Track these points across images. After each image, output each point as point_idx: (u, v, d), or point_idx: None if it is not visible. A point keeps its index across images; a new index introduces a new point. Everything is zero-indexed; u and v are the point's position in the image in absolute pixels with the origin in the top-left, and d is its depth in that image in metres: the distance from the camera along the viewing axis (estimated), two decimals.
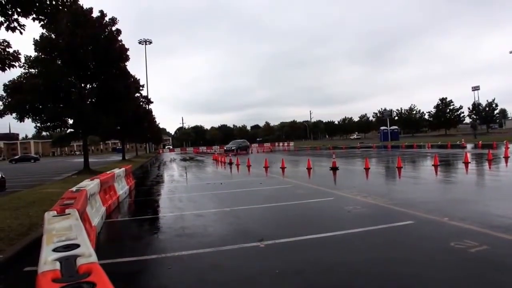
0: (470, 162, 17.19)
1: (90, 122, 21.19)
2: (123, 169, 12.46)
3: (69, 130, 23.75)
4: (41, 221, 4.86)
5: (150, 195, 12.71)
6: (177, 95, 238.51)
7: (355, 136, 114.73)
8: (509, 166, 15.83)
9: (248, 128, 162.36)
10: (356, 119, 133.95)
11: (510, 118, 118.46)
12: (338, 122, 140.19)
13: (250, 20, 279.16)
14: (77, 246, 2.70)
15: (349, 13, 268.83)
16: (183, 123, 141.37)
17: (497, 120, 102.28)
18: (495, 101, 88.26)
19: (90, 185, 7.03)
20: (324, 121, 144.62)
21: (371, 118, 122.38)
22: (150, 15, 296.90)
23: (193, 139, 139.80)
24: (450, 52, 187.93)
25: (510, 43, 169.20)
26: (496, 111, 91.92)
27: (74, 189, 6.30)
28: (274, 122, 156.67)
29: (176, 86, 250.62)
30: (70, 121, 22.71)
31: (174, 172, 22.98)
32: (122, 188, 11.25)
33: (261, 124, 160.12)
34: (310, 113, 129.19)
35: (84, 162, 23.19)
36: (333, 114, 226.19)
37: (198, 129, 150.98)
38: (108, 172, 10.68)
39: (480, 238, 5.37)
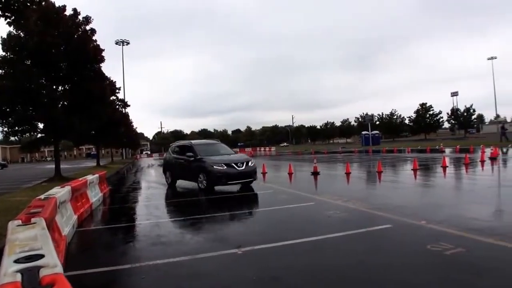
0: (448, 166, 17.45)
1: (61, 126, 20.22)
2: (96, 175, 12.09)
3: (39, 135, 22.79)
4: (4, 232, 4.66)
5: (125, 202, 12.41)
6: (156, 99, 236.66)
7: (345, 142, 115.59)
8: (485, 170, 16.13)
9: (229, 132, 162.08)
10: (338, 123, 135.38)
11: (486, 123, 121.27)
12: (321, 126, 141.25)
13: (235, 25, 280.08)
14: (41, 256, 2.59)
15: (334, 21, 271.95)
16: (161, 127, 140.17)
17: (475, 125, 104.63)
18: (473, 107, 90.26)
19: (60, 192, 6.78)
20: (306, 125, 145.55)
21: (353, 123, 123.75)
22: (132, 17, 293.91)
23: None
24: (431, 59, 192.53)
25: (487, 52, 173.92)
26: (473, 117, 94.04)
27: (42, 197, 6.07)
28: (256, 127, 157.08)
29: (155, 90, 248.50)
30: (41, 125, 21.62)
31: (151, 178, 22.67)
32: (95, 195, 10.94)
33: (243, 128, 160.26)
34: (292, 118, 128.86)
35: (55, 169, 21.97)
36: (315, 119, 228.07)
37: (177, 134, 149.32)
38: (80, 179, 10.35)
39: (456, 241, 5.41)
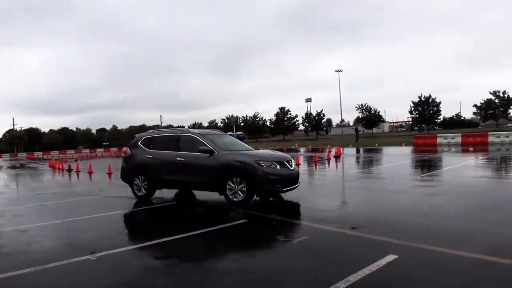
0: (300, 164, 19.32)
1: None
2: None
3: None
4: None
5: None
6: (7, 93, 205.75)
7: None
8: (331, 167, 18.38)
9: (94, 131, 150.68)
10: (205, 124, 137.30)
11: (334, 126, 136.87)
12: (188, 126, 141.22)
13: (103, 20, 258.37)
14: None
15: (203, 25, 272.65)
16: (14, 124, 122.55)
17: (324, 128, 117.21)
18: (323, 112, 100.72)
19: None
20: (175, 125, 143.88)
21: (219, 123, 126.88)
22: None
23: (27, 143, 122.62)
24: (289, 68, 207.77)
25: (335, 65, 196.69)
26: (323, 120, 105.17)
27: None
28: (122, 126, 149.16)
29: (5, 82, 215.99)
30: None
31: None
32: None
33: (108, 127, 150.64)
34: (161, 118, 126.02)
35: None
36: (184, 119, 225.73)
37: (33, 132, 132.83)
38: None
39: (303, 230, 6.16)
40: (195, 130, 10.53)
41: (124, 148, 11.11)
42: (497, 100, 78.24)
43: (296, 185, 9.18)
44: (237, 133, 69.43)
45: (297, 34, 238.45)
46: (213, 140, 9.50)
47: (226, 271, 4.56)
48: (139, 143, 10.63)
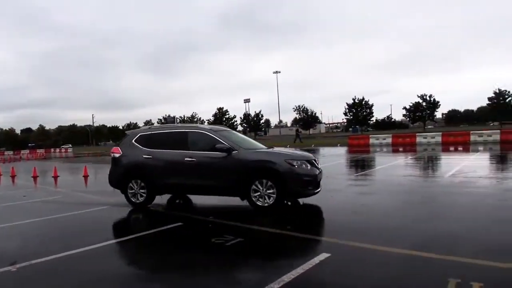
0: None
1: None
2: None
3: None
4: None
5: None
6: None
7: None
8: None
9: (18, 132, 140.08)
10: (141, 124, 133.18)
11: (272, 127, 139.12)
12: (123, 127, 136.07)
13: (28, 13, 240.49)
14: None
15: (141, 21, 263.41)
16: None
17: (263, 129, 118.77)
18: (261, 113, 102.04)
19: None
20: (108, 125, 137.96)
21: (156, 124, 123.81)
22: None
23: None
24: (228, 68, 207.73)
25: (274, 66, 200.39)
26: (262, 121, 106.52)
27: None
28: (50, 126, 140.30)
29: None
30: None
31: None
32: None
33: (35, 127, 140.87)
34: (93, 117, 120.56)
35: None
36: (118, 118, 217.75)
37: None
38: None
39: (237, 232, 6.08)
40: (205, 126, 9.30)
41: (113, 148, 9.39)
42: (424, 103, 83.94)
43: (320, 189, 8.12)
44: None
45: (237, 34, 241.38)
46: (228, 137, 8.39)
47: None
48: (133, 141, 9.03)
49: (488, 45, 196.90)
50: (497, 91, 76.17)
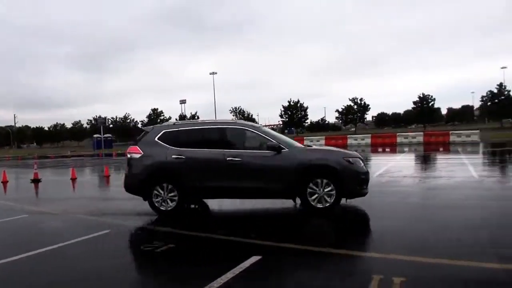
0: None
1: None
2: None
3: None
4: None
5: None
6: None
7: (76, 145, 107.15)
8: None
9: None
10: (69, 125, 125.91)
11: None
12: (49, 128, 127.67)
13: None
14: None
15: (71, 16, 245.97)
16: None
17: None
18: (198, 114, 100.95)
19: None
20: (32, 126, 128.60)
21: (85, 125, 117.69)
22: None
23: None
24: (164, 68, 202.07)
25: (211, 67, 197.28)
26: None
27: None
28: None
29: None
30: None
31: None
32: None
33: None
34: (15, 117, 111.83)
35: None
36: (43, 119, 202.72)
37: None
38: None
39: (167, 238, 5.90)
40: (245, 122, 8.53)
41: (130, 147, 8.09)
42: (355, 106, 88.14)
43: None
44: (105, 135, 65.00)
45: (173, 34, 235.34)
46: (273, 134, 7.73)
47: None
48: (156, 139, 7.75)
49: (415, 50, 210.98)
50: (421, 95, 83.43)
